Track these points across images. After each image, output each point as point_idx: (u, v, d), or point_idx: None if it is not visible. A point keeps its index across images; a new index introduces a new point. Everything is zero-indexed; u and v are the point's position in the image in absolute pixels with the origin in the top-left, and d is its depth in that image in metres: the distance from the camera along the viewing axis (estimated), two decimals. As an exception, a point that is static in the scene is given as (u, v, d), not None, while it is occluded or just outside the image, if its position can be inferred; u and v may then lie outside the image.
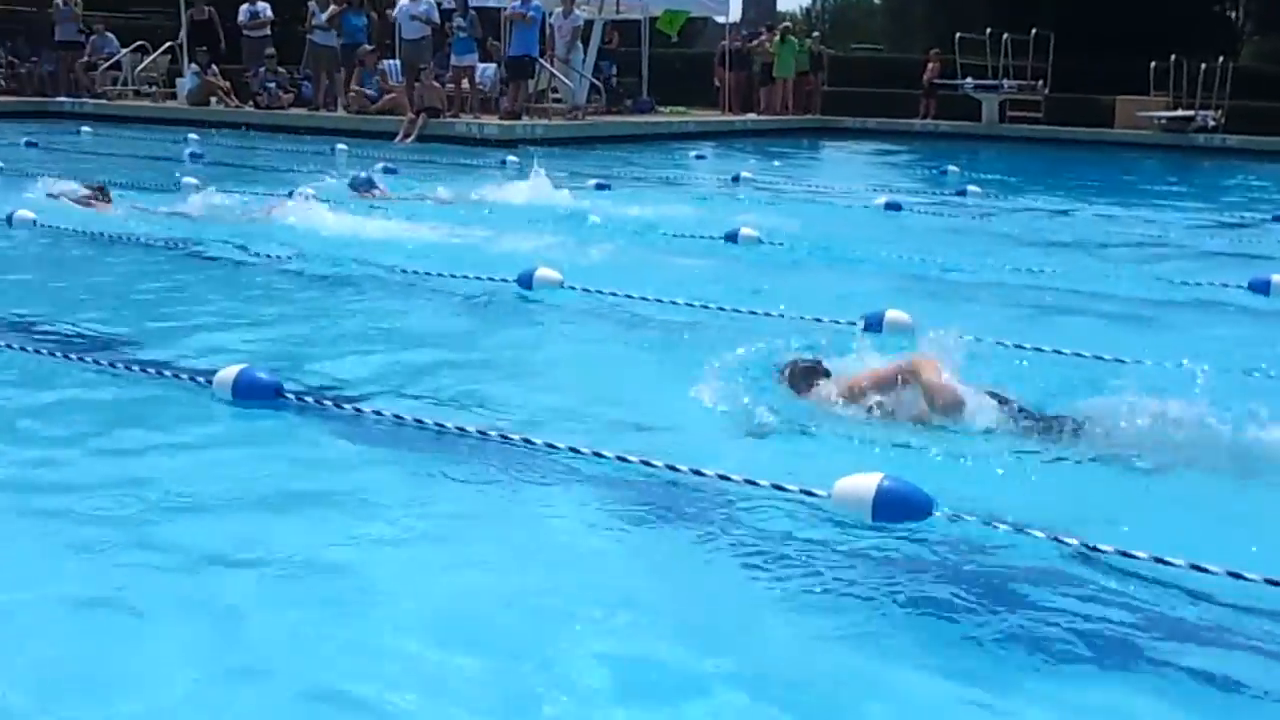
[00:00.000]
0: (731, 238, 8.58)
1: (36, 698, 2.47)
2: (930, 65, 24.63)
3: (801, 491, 3.56)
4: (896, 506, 3.41)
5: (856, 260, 8.18)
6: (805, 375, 4.38)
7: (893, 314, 5.63)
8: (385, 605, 2.92)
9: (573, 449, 3.90)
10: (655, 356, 5.24)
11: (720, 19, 26.19)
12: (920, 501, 3.41)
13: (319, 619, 2.85)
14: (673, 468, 3.76)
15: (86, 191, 9.60)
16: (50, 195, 9.48)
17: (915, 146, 21.59)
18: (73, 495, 3.58)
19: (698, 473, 3.72)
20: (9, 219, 8.41)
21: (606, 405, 4.51)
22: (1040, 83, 24.02)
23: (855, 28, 55.85)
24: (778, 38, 24.64)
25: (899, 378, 4.19)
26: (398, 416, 4.23)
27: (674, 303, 6.13)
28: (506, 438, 4.00)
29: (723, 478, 3.68)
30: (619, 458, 3.82)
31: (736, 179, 13.74)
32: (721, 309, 6.02)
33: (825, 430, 4.15)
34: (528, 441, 3.95)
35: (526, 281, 6.38)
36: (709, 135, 21.43)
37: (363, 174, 11.24)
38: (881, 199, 11.42)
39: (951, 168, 15.60)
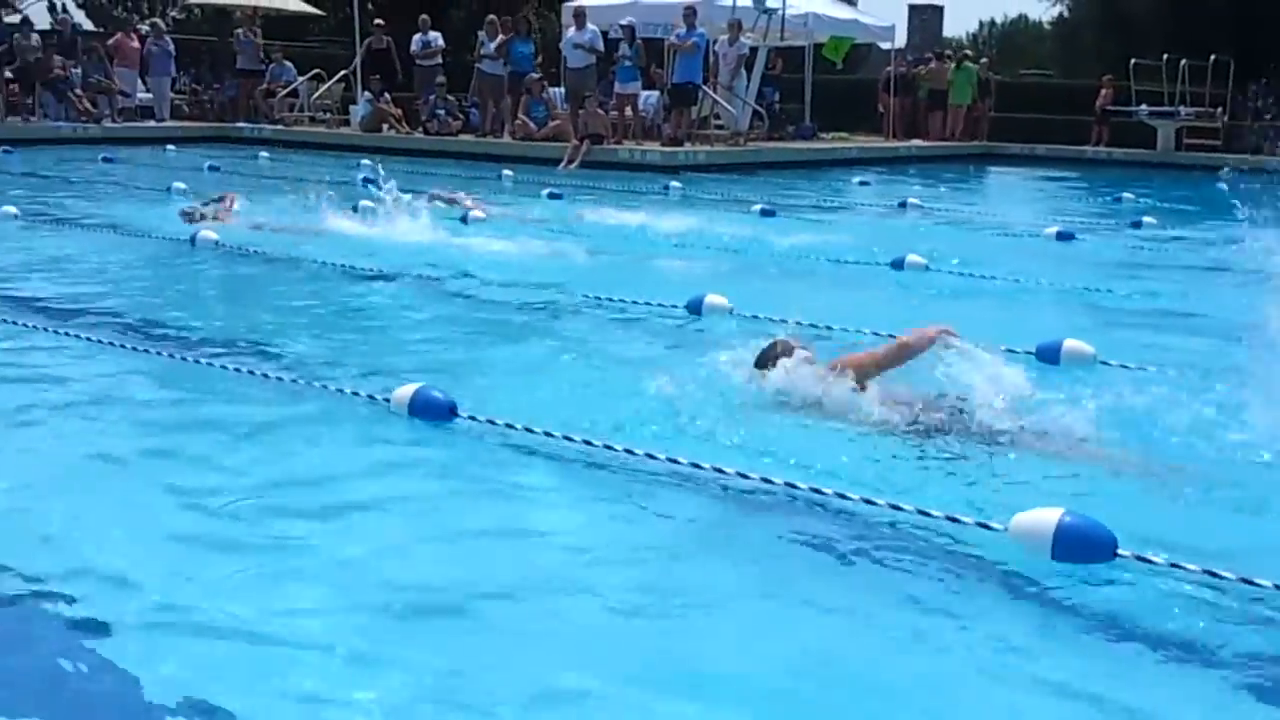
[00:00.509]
0: (898, 265, 8.47)
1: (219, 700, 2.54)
2: (1103, 91, 23.99)
3: (977, 524, 3.47)
4: (1077, 544, 3.30)
5: (1027, 289, 7.99)
6: (775, 355, 4.69)
7: (1071, 344, 5.47)
8: (553, 637, 2.94)
9: (742, 474, 3.87)
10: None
11: (885, 45, 25.91)
12: (1103, 540, 3.29)
13: (481, 642, 2.88)
14: (843, 495, 3.70)
15: (211, 206, 10.18)
16: (182, 212, 10.02)
17: (1086, 174, 21.03)
18: (258, 503, 3.71)
19: (869, 502, 3.66)
20: (192, 239, 8.75)
21: (779, 432, 4.46)
22: (1219, 110, 23.20)
23: (1023, 52, 54.72)
24: (954, 65, 24.33)
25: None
26: (568, 438, 4.26)
27: (844, 329, 6.06)
28: (698, 466, 3.95)
29: (894, 507, 3.62)
30: (813, 489, 3.77)
31: (902, 205, 13.57)
32: (893, 337, 5.90)
33: (1005, 463, 4.05)
34: (719, 470, 3.90)
35: (696, 307, 6.39)
36: (872, 161, 21.23)
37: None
38: (1052, 228, 11.13)
39: (1126, 196, 15.14)
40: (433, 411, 4.46)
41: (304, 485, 3.94)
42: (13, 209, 10.28)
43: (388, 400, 4.57)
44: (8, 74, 21.80)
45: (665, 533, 3.63)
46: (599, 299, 6.88)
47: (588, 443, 4.19)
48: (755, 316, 6.29)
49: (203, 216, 9.78)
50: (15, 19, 24.94)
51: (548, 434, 4.31)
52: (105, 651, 2.75)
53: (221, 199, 10.25)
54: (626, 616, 3.05)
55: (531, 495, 3.90)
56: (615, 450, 4.12)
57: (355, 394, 4.77)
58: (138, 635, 2.83)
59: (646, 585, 3.23)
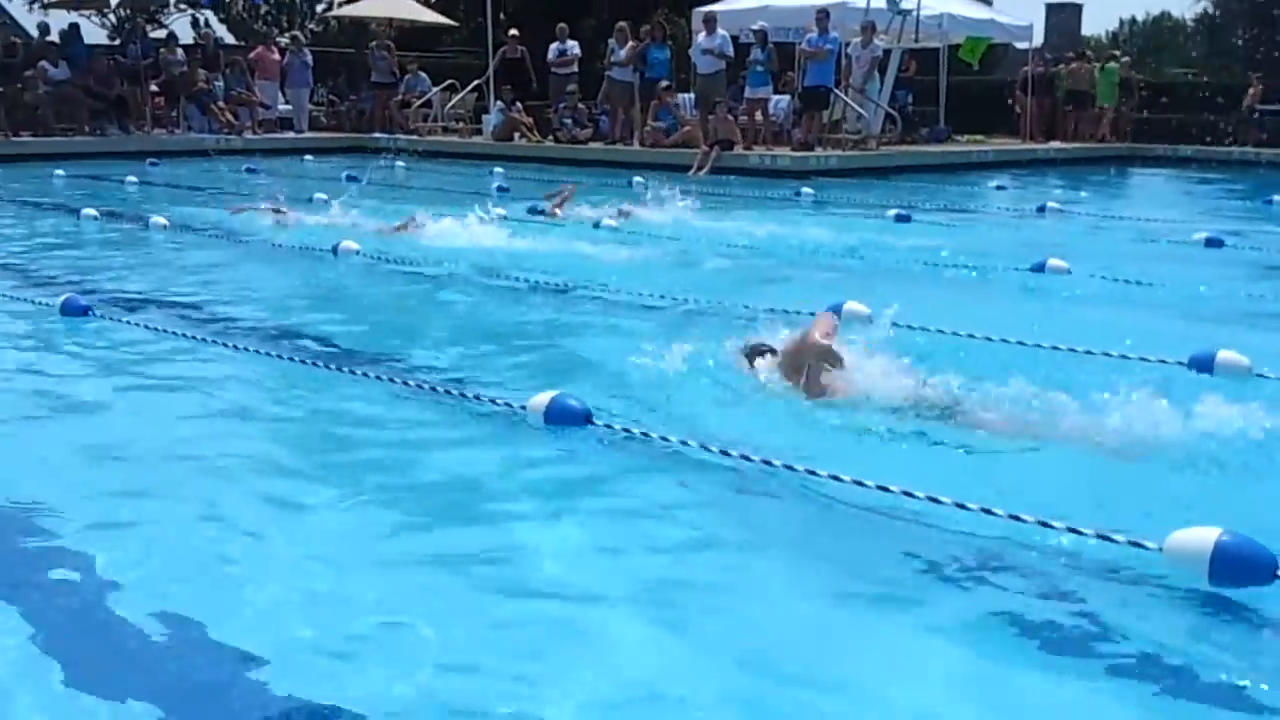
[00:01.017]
0: (1039, 269, 8.25)
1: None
2: (1252, 89, 23.17)
3: (1130, 543, 3.33)
4: (1236, 567, 3.14)
5: (1176, 296, 7.70)
6: (755, 354, 5.06)
7: (1225, 354, 5.24)
8: (694, 648, 2.89)
9: (908, 492, 3.77)
10: (950, 393, 5.00)
11: (1022, 45, 25.36)
12: (1264, 561, 3.12)
13: (619, 650, 2.85)
14: (988, 511, 3.58)
15: (267, 206, 11.03)
16: (232, 211, 11.01)
17: (1235, 176, 20.28)
18: (397, 511, 3.73)
19: (1015, 518, 3.53)
20: (335, 250, 8.90)
21: (927, 448, 4.36)
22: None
23: (1165, 50, 53.21)
24: (1099, 66, 23.73)
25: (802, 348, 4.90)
26: (705, 447, 4.21)
27: (986, 337, 5.90)
28: (837, 478, 3.84)
29: (1043, 524, 3.49)
30: (957, 504, 3.67)
31: (1041, 209, 13.24)
32: (1039, 346, 5.74)
33: (1164, 480, 3.89)
34: (859, 484, 3.78)
35: (835, 313, 6.28)
36: (1009, 164, 20.77)
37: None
38: (1200, 234, 10.71)
39: (1277, 199, 14.56)
40: (568, 418, 4.45)
41: (440, 492, 3.98)
42: (162, 219, 10.61)
43: (523, 408, 4.58)
44: (153, 87, 22.56)
45: (801, 546, 3.56)
46: (732, 306, 6.81)
47: (725, 452, 4.14)
48: (895, 324, 6.15)
49: (279, 212, 10.74)
50: (161, 34, 25.84)
51: (683, 442, 4.26)
52: (263, 673, 2.77)
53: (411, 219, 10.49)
54: (779, 627, 2.99)
55: (666, 503, 3.86)
56: (751, 460, 4.05)
57: (492, 401, 4.79)
58: (297, 656, 2.85)
59: (791, 599, 3.17)
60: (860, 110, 20.15)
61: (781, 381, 4.89)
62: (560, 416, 4.45)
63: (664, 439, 4.29)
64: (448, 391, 4.98)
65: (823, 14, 18.68)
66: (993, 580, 3.30)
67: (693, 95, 20.90)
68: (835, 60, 19.17)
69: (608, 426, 4.43)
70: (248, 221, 10.85)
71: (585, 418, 4.45)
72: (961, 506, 3.60)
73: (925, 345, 5.77)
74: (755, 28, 19.65)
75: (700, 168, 18.03)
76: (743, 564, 3.45)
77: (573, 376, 5.23)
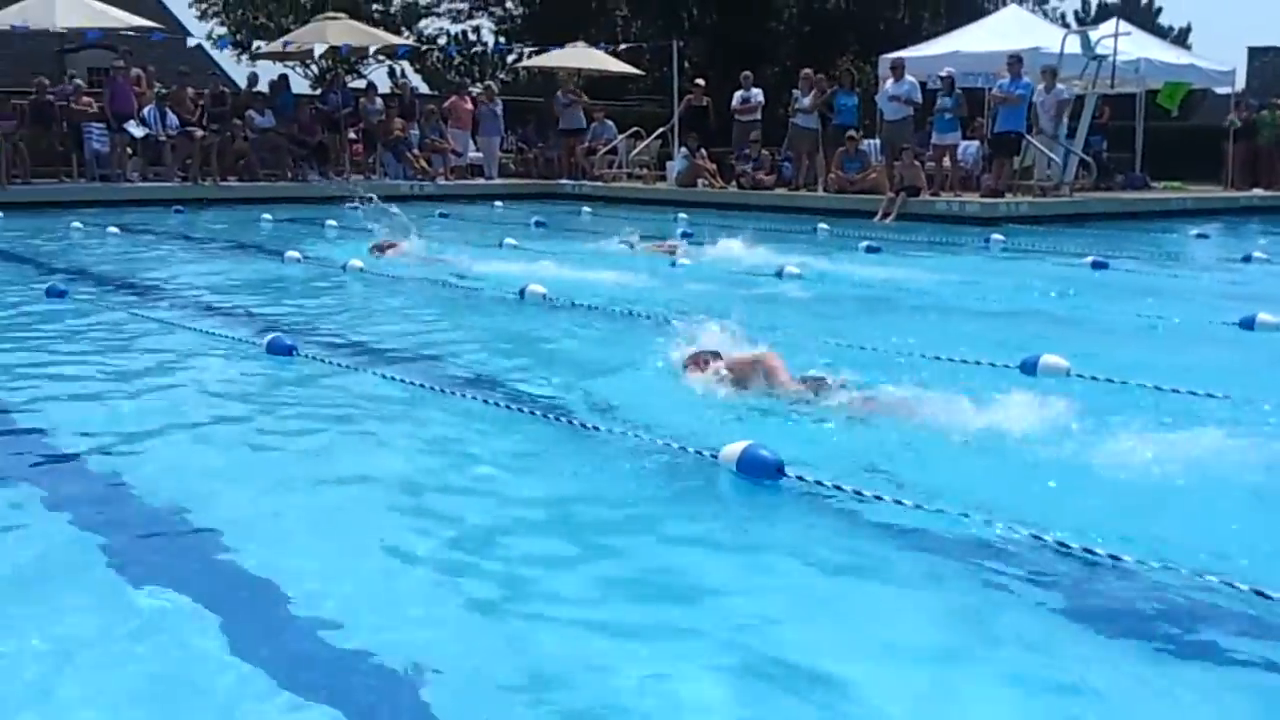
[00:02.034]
0: (1248, 325, 7.87)
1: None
2: None
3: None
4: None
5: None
6: (698, 360, 5.71)
7: None
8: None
9: (1088, 550, 3.62)
10: (1167, 452, 4.79)
11: (1222, 90, 24.45)
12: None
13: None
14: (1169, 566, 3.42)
15: (384, 243, 11.76)
16: (375, 248, 11.70)
17: None
18: (585, 558, 3.74)
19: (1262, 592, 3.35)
20: (521, 293, 9.04)
21: (1123, 497, 4.18)
22: None
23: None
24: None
25: (754, 364, 5.58)
26: (898, 501, 4.11)
27: (1192, 393, 5.64)
28: (1064, 546, 3.69)
29: (1228, 584, 3.31)
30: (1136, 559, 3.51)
31: (1247, 259, 12.68)
32: (1250, 403, 5.46)
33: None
34: (1088, 552, 3.64)
35: (1030, 368, 6.11)
36: (1209, 212, 19.96)
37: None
38: None
39: None
40: (760, 469, 4.40)
41: (630, 538, 3.96)
42: (358, 262, 10.97)
43: (715, 456, 4.55)
44: (352, 135, 23.44)
45: (1000, 606, 3.43)
46: (924, 356, 6.67)
47: (919, 507, 4.03)
48: (1094, 378, 5.95)
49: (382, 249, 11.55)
50: (361, 84, 26.83)
51: (877, 497, 4.17)
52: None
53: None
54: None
55: (861, 561, 3.78)
56: (946, 512, 3.94)
57: (683, 449, 4.77)
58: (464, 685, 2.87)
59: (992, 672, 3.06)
60: (1052, 156, 19.68)
61: (726, 388, 5.52)
62: (752, 467, 4.41)
63: (858, 493, 4.20)
64: (637, 436, 4.98)
65: (1015, 59, 18.35)
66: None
67: (879, 141, 20.73)
68: (1026, 106, 18.78)
69: (800, 478, 4.36)
70: (435, 266, 11.13)
71: (778, 469, 4.39)
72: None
73: (1121, 400, 5.56)
74: (942, 74, 19.40)
75: (886, 214, 17.84)
76: (946, 631, 3.33)
77: (763, 427, 5.17)
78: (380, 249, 11.67)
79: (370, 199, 13.22)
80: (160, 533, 4.00)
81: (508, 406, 5.60)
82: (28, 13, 21.79)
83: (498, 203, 20.95)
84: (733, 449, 4.46)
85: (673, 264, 11.44)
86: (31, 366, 6.70)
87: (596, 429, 5.12)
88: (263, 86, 23.34)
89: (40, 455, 4.86)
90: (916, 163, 18.90)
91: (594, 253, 12.57)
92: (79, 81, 20.98)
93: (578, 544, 3.90)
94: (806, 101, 20.63)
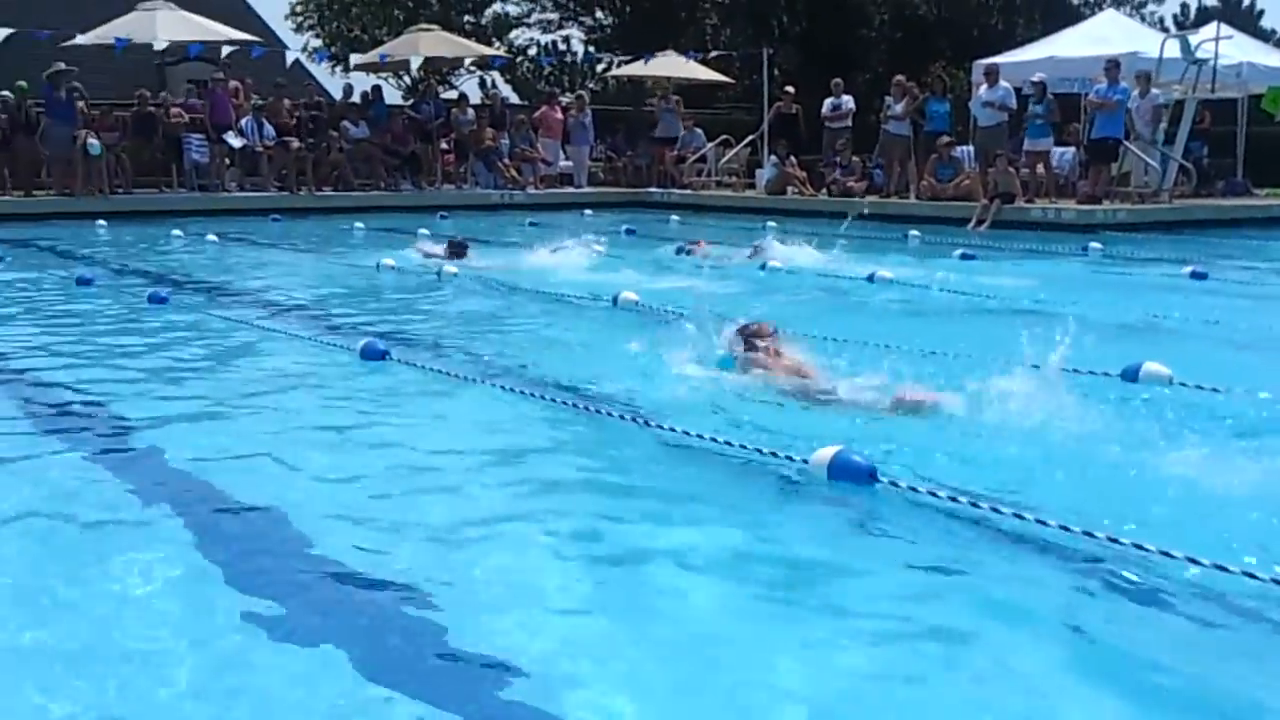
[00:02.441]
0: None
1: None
2: None
3: None
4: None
5: None
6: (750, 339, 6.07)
7: None
8: None
9: (1192, 559, 3.52)
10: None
11: (1330, 93, 23.71)
12: None
13: None
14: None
15: (442, 249, 12.14)
16: (423, 253, 12.31)
17: None
18: (677, 564, 3.72)
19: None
20: (614, 300, 9.02)
21: (1217, 510, 4.06)
22: None
23: None
24: None
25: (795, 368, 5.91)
26: (996, 510, 4.03)
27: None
28: (1141, 547, 3.61)
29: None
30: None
31: (1355, 268, 12.33)
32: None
33: None
34: (1166, 555, 3.56)
35: (1132, 375, 5.98)
36: (1314, 219, 19.43)
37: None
38: None
39: None
40: (852, 475, 4.35)
41: (722, 547, 3.93)
42: (453, 268, 11.07)
43: (805, 461, 4.50)
44: (443, 145, 23.70)
45: (1102, 621, 3.35)
46: (1023, 363, 6.53)
47: (1018, 516, 3.95)
48: (1198, 386, 5.80)
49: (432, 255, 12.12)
50: (453, 95, 27.14)
51: (973, 503, 4.10)
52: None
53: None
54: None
55: (957, 569, 3.71)
56: (1047, 525, 3.85)
57: (773, 454, 4.73)
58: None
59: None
60: (1150, 162, 19.28)
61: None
62: (844, 473, 4.35)
63: (953, 499, 4.13)
64: (727, 442, 4.94)
65: (1113, 64, 18.00)
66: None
67: (972, 148, 20.47)
68: (1124, 111, 18.42)
69: (893, 484, 4.30)
70: (521, 271, 11.19)
71: (870, 475, 4.34)
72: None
73: (1225, 409, 5.42)
74: (1034, 79, 19.11)
75: (980, 221, 17.60)
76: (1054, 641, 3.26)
77: (854, 432, 5.10)
78: (453, 248, 12.05)
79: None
80: (267, 536, 4.07)
81: (597, 411, 5.59)
82: (130, 27, 22.37)
83: (587, 211, 21.01)
84: (824, 454, 4.41)
85: (762, 267, 11.41)
86: (137, 372, 6.86)
87: (687, 434, 5.08)
88: (357, 97, 23.69)
89: (146, 459, 4.97)
90: (1011, 169, 18.62)
91: (676, 260, 12.59)
92: (195, 100, 21.45)
93: (673, 549, 3.89)
94: (899, 108, 20.45)
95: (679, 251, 13.03)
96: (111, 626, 3.24)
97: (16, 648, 3.12)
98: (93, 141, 19.21)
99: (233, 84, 21.46)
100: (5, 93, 19.67)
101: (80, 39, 22.09)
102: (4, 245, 14.07)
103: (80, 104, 19.52)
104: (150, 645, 3.11)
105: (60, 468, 4.74)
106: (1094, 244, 13.94)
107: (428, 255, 12.36)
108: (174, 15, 22.78)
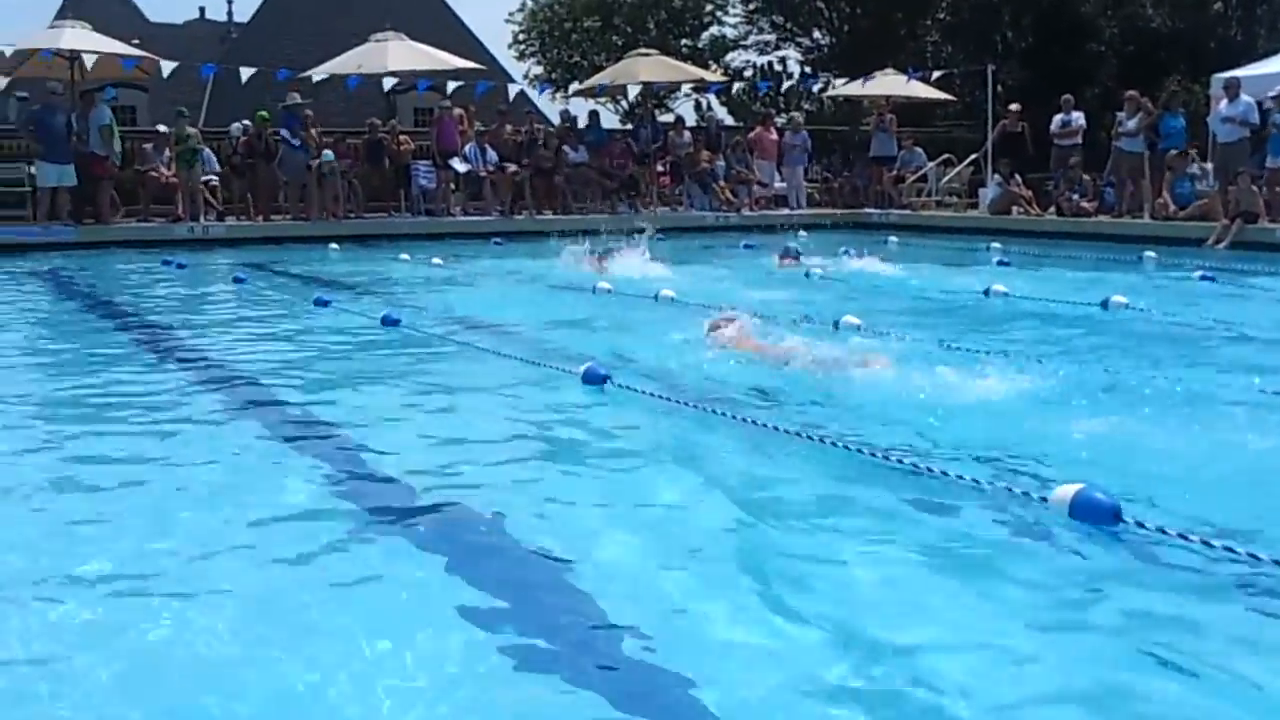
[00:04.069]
0: None
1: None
2: None
3: None
4: None
5: None
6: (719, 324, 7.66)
7: None
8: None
9: None
10: None
11: None
12: None
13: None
14: None
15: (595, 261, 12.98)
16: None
17: None
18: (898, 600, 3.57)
19: None
20: (836, 324, 8.81)
21: None
22: None
23: None
24: None
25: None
26: (1254, 556, 3.75)
27: None
28: None
29: None
30: None
31: None
32: None
33: None
34: None
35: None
36: None
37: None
38: None
39: None
40: (1095, 515, 4.11)
41: (946, 580, 3.78)
42: (670, 291, 11.03)
43: (1044, 499, 4.29)
44: (659, 167, 23.89)
45: None
46: (1275, 392, 6.14)
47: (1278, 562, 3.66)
48: None
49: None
50: (669, 118, 27.36)
51: (1227, 549, 3.82)
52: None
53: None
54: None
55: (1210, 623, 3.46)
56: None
57: (1009, 490, 4.52)
58: None
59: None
60: None
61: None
62: (1087, 511, 4.12)
63: (1206, 542, 3.86)
64: (959, 476, 4.75)
65: (1365, 74, 16.93)
66: None
67: (1211, 165, 19.49)
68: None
69: (1139, 525, 4.05)
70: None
71: (1114, 514, 4.10)
72: None
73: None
74: (1273, 93, 18.10)
75: (1219, 240, 16.74)
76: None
77: (1099, 466, 4.84)
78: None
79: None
80: (526, 564, 4.07)
81: (821, 440, 5.45)
82: (362, 57, 23.36)
83: (802, 233, 20.79)
84: (1065, 491, 4.19)
85: (985, 292, 11.06)
86: (367, 393, 7.08)
87: (915, 467, 4.90)
88: (584, 119, 24.23)
89: (371, 481, 5.09)
90: (1254, 187, 17.64)
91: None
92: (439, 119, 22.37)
93: (899, 583, 3.75)
94: (1132, 124, 19.63)
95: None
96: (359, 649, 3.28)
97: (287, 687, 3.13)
98: (327, 153, 20.46)
99: (457, 111, 22.13)
100: (246, 122, 20.82)
101: (316, 73, 23.18)
102: (245, 268, 14.79)
103: (312, 131, 20.50)
104: (433, 672, 3.15)
105: (303, 492, 4.85)
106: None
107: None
108: (404, 45, 23.65)
